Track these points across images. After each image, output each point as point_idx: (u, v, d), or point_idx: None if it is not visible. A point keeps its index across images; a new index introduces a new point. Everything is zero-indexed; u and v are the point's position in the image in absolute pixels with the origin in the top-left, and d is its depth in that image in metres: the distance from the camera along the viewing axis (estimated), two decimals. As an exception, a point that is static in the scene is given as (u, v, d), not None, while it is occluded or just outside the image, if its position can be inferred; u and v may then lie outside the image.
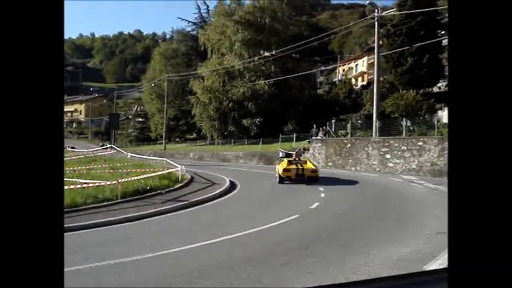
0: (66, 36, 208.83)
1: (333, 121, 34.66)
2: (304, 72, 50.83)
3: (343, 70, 68.13)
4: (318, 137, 34.50)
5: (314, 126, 36.99)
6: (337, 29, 57.62)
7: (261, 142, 43.15)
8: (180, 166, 22.76)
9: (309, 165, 21.89)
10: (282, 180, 20.98)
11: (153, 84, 67.43)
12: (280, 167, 21.83)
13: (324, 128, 34.99)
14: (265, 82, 48.99)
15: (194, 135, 63.48)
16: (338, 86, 52.94)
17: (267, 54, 51.10)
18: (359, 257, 7.39)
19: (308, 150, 34.51)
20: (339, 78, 61.23)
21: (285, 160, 22.70)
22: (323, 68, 71.94)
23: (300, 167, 21.11)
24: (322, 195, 16.20)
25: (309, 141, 35.63)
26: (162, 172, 20.79)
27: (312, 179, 20.59)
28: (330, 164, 31.10)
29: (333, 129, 33.71)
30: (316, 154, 32.88)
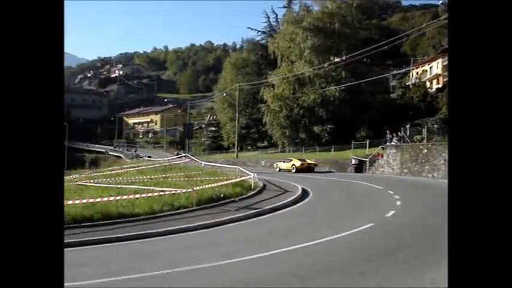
0: (141, 50, 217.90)
1: (408, 126, 33.56)
2: (376, 77, 49.71)
3: (417, 73, 65.90)
4: (392, 143, 33.46)
5: (388, 131, 35.93)
6: (409, 31, 55.99)
7: (332, 149, 42.65)
8: (252, 174, 22.95)
9: (311, 162, 36.18)
10: (297, 171, 33.80)
11: (224, 94, 68.56)
12: (295, 163, 35.55)
13: (399, 133, 33.92)
14: (336, 88, 48.40)
15: (265, 143, 63.81)
16: (412, 90, 51.30)
17: (337, 59, 50.50)
18: (438, 268, 7.07)
19: (382, 156, 33.58)
20: (413, 81, 59.20)
21: (295, 160, 36.70)
22: (395, 71, 70.06)
23: (307, 162, 35.81)
24: (398, 203, 15.70)
25: (382, 148, 34.66)
26: (235, 180, 21.07)
27: (313, 168, 34.98)
28: (405, 170, 30.09)
29: (407, 135, 32.63)
30: (391, 160, 31.93)
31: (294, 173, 31.75)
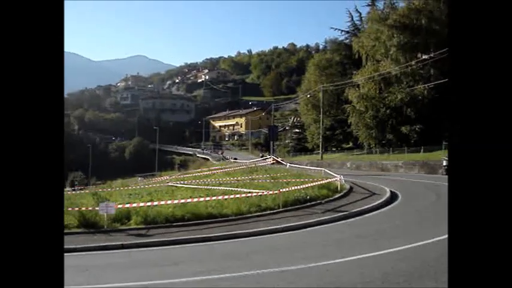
0: (225, 55, 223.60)
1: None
2: (467, 74, 47.17)
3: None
4: (487, 143, 31.58)
5: (482, 131, 33.92)
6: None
7: (422, 150, 41.05)
8: (338, 176, 22.70)
9: (280, 159, 50.80)
10: (272, 164, 45.64)
11: (308, 95, 68.31)
12: (270, 160, 49.83)
13: (494, 132, 31.89)
14: (424, 86, 46.55)
15: (351, 144, 62.77)
16: (508, 86, 48.11)
17: (425, 57, 48.51)
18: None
19: (476, 157, 31.76)
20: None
21: (271, 159, 52.42)
22: (490, 67, 65.94)
23: (278, 159, 50.46)
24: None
25: (476, 148, 32.79)
26: (321, 182, 20.97)
27: (281, 162, 46.52)
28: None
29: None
30: (486, 161, 30.09)
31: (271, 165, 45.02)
